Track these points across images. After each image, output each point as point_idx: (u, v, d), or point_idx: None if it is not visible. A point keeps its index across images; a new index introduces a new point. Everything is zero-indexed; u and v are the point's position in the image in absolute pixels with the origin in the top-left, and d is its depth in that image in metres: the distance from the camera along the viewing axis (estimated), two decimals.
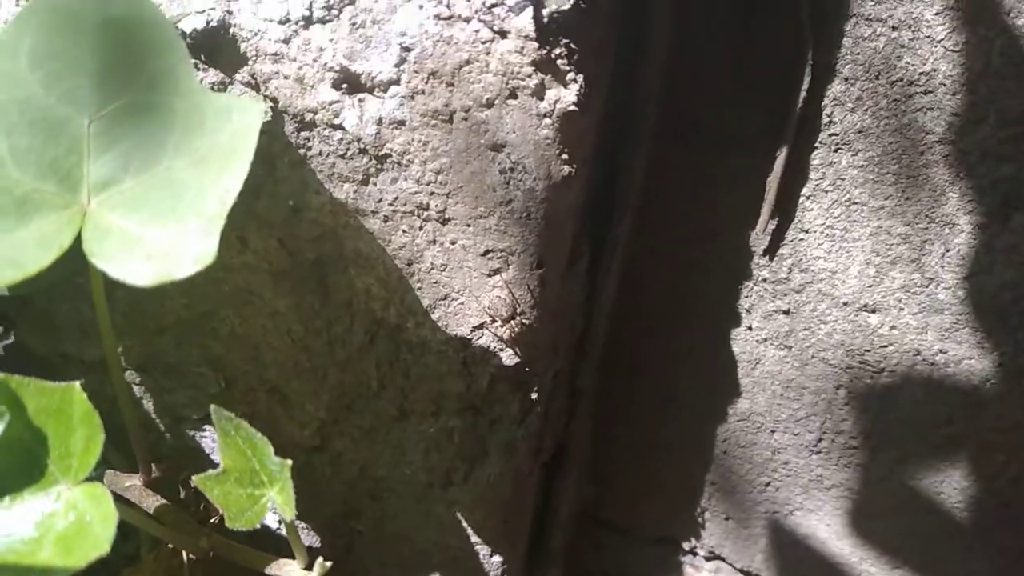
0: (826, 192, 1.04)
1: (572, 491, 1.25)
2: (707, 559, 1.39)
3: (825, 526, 1.26)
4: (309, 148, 0.92)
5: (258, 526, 0.75)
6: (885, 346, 1.10)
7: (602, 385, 1.25)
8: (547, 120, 0.84)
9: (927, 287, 1.05)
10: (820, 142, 1.02)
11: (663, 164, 1.10)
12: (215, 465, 1.17)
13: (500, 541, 1.14)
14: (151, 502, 0.93)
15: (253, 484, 0.75)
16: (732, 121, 1.07)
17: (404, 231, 0.93)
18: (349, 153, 0.91)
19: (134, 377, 1.16)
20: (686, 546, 1.39)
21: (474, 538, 1.14)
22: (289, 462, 0.73)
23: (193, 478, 0.75)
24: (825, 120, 1.01)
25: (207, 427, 1.18)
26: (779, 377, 1.18)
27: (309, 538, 1.22)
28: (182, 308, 1.06)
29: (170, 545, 1.01)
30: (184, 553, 1.01)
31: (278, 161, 0.94)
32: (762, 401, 1.20)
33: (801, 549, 1.30)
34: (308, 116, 0.90)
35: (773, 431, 1.22)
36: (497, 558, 1.16)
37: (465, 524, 1.13)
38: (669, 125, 1.08)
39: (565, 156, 0.86)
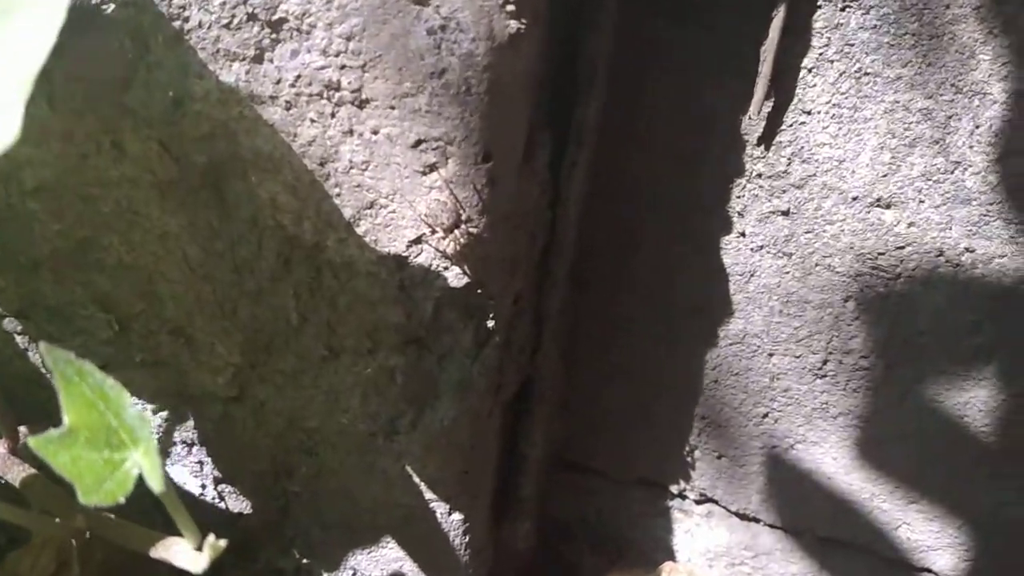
0: (831, 62, 0.87)
1: (541, 431, 1.08)
2: (697, 502, 1.24)
3: (831, 459, 1.11)
4: (186, 19, 0.72)
5: (122, 500, 0.56)
6: (902, 247, 0.94)
7: (571, 306, 1.07)
8: None
9: (952, 173, 0.89)
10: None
11: (634, 34, 0.92)
12: None
13: (459, 496, 0.97)
14: (16, 473, 0.75)
15: (110, 446, 0.57)
16: None
17: (312, 120, 0.74)
18: (235, 21, 0.71)
19: (14, 325, 0.97)
20: (673, 489, 1.23)
21: (428, 494, 0.97)
22: (150, 416, 0.55)
23: (28, 441, 0.57)
24: None
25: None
26: (777, 291, 1.01)
27: (237, 503, 1.05)
28: (56, 235, 0.87)
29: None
30: None
31: (150, 40, 0.74)
32: (758, 320, 1.04)
33: (804, 486, 1.15)
34: None
35: (771, 354, 1.06)
36: (457, 516, 0.99)
37: (416, 478, 0.96)
38: None
39: (511, 7, 0.67)
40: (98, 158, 0.81)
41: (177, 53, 0.74)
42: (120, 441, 0.56)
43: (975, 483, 1.07)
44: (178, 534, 0.66)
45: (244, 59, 0.73)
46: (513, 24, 0.67)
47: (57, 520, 0.75)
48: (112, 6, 0.73)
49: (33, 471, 0.75)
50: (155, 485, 0.55)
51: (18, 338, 0.98)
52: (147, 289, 0.89)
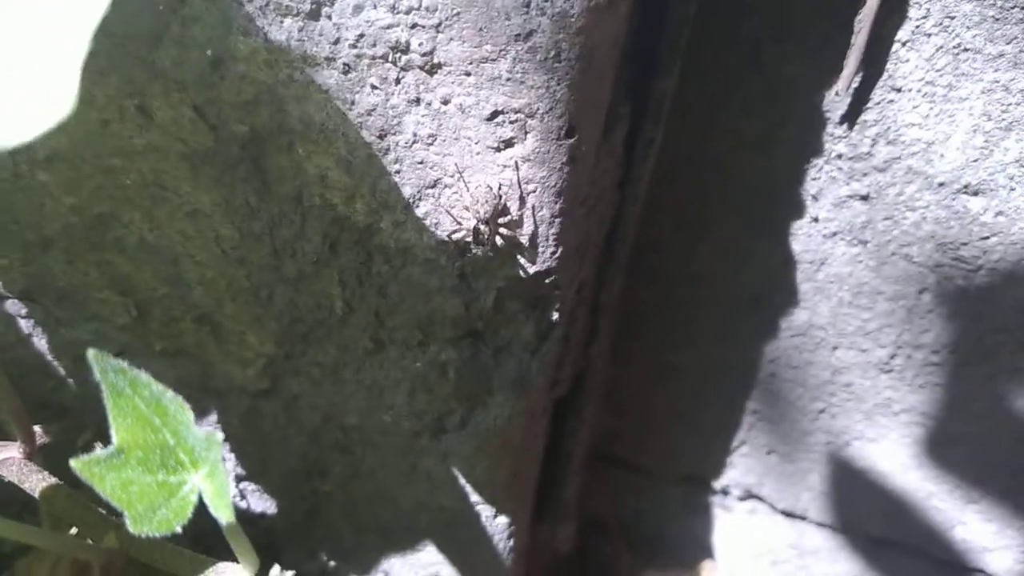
0: (928, 36, 0.80)
1: (588, 429, 1.01)
2: (741, 499, 1.17)
3: (888, 457, 1.05)
4: None
5: (178, 529, 0.48)
6: (987, 237, 0.87)
7: (623, 294, 0.99)
8: None
9: None
10: None
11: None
12: None
13: (506, 499, 0.90)
14: (35, 482, 0.66)
15: (167, 468, 0.49)
16: None
17: (374, 87, 0.65)
18: None
19: (18, 308, 0.87)
20: (716, 485, 1.17)
21: (474, 496, 0.89)
22: (219, 436, 0.47)
23: (72, 463, 0.48)
24: None
25: None
26: (849, 280, 0.94)
27: (262, 502, 0.97)
28: (69, 211, 0.78)
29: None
30: None
31: None
32: (825, 311, 0.97)
33: (857, 485, 1.09)
34: None
35: (836, 347, 0.99)
36: (502, 519, 0.92)
37: (462, 480, 0.88)
38: None
39: None
40: (121, 125, 0.72)
41: (219, 5, 0.65)
42: (178, 462, 0.48)
43: None
44: (226, 557, 0.59)
45: (298, 14, 0.64)
46: None
47: (88, 541, 0.67)
48: None
49: (54, 481, 0.67)
50: (222, 514, 0.47)
51: (22, 322, 0.89)
52: (172, 272, 0.80)
